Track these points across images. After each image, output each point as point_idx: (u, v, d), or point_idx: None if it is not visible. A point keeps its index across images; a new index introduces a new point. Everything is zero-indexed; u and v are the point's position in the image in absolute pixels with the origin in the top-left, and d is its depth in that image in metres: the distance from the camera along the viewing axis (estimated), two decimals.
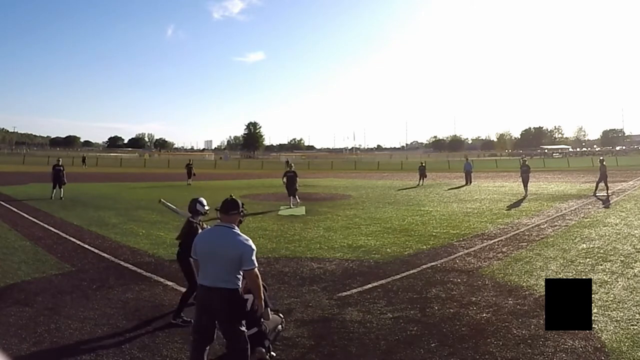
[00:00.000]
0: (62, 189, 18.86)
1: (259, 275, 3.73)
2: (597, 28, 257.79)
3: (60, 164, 19.50)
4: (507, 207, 16.24)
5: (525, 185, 20.79)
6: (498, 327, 5.11)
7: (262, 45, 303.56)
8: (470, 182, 27.38)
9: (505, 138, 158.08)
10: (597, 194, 19.25)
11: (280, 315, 4.87)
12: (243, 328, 3.72)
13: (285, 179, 17.04)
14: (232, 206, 3.82)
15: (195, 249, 3.83)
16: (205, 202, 5.75)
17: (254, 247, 3.67)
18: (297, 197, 16.82)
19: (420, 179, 28.70)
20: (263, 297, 3.85)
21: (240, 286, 3.71)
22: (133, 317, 5.47)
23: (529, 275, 7.23)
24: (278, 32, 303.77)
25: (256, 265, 3.67)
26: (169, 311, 5.62)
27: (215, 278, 3.63)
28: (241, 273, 3.67)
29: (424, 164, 29.67)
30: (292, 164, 18.10)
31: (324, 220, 13.39)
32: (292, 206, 16.13)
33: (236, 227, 3.80)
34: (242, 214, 3.94)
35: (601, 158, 22.39)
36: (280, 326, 4.50)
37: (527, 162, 22.09)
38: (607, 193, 19.22)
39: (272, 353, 4.39)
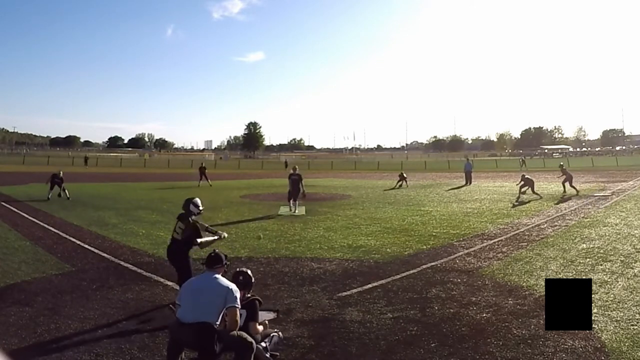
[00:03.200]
0: (66, 191, 18.89)
1: (238, 319, 3.92)
2: (597, 28, 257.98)
3: (60, 175, 19.25)
4: (507, 207, 16.24)
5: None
6: (498, 327, 5.11)
7: (262, 45, 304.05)
8: (470, 182, 27.36)
9: (505, 138, 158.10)
10: (564, 195, 19.83)
11: (275, 312, 4.87)
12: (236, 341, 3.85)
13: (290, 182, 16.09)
14: (216, 260, 4.21)
15: (180, 296, 4.09)
16: (199, 203, 6.00)
17: (237, 290, 4.01)
18: (297, 201, 15.73)
19: (400, 182, 27.67)
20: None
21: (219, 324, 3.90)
22: (133, 317, 5.48)
23: (529, 275, 7.23)
24: (278, 32, 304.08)
25: (238, 305, 3.93)
26: (169, 311, 5.62)
27: (195, 314, 3.83)
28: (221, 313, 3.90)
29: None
30: (296, 166, 17.58)
31: (324, 220, 13.40)
32: (291, 209, 15.35)
33: (221, 276, 4.13)
34: (226, 265, 4.27)
35: (561, 164, 23.68)
36: (276, 336, 4.38)
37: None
38: (575, 191, 19.92)
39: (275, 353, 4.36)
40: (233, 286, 4.01)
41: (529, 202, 17.53)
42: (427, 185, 27.83)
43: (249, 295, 4.34)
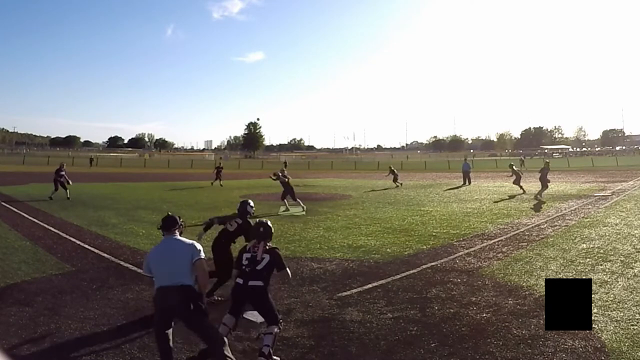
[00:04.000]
0: (67, 190, 18.81)
1: (206, 268, 4.13)
2: (597, 28, 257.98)
3: (64, 168, 19.43)
4: (507, 207, 16.24)
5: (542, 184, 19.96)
6: (498, 327, 5.11)
7: (262, 45, 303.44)
8: (470, 182, 27.31)
9: (505, 138, 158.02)
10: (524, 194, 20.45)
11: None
12: (207, 319, 4.07)
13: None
14: (172, 222, 4.32)
15: (148, 266, 4.17)
16: (252, 204, 6.60)
17: (199, 244, 4.20)
18: (286, 200, 16.18)
19: (389, 175, 28.22)
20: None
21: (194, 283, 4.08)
22: (133, 317, 5.48)
23: (529, 275, 7.23)
24: (278, 32, 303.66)
25: (204, 257, 4.12)
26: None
27: (172, 277, 3.97)
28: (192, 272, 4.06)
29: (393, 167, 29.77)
30: (284, 169, 17.88)
31: (324, 220, 13.39)
32: (288, 209, 15.65)
33: (178, 234, 4.30)
34: (181, 227, 4.40)
35: (511, 164, 24.08)
36: (276, 328, 4.42)
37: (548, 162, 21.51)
38: (522, 190, 20.92)
39: (276, 358, 4.35)
40: (194, 242, 4.20)
41: (528, 202, 17.52)
42: (427, 185, 27.83)
43: (269, 245, 4.69)
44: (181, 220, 4.43)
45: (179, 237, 4.25)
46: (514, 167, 22.32)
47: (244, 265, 4.53)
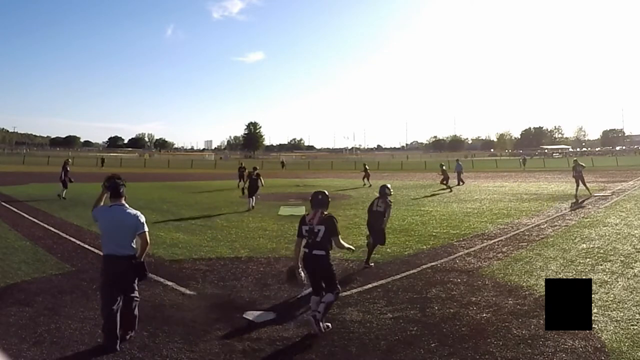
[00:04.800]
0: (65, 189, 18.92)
1: (148, 240, 4.75)
2: (597, 28, 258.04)
3: (68, 162, 20.01)
4: (507, 207, 16.24)
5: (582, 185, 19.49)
6: (498, 327, 5.11)
7: (262, 45, 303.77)
8: (463, 182, 26.78)
9: (505, 138, 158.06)
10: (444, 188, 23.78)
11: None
12: (135, 285, 4.84)
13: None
14: (116, 190, 4.77)
15: (95, 219, 4.87)
16: (390, 186, 8.54)
17: (142, 216, 4.78)
18: (255, 197, 16.95)
19: (365, 179, 29.44)
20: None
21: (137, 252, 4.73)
22: None
23: (529, 275, 7.23)
24: (278, 32, 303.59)
25: (146, 230, 4.73)
26: (169, 311, 5.63)
27: (119, 248, 4.64)
28: (134, 241, 4.70)
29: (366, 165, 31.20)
30: (256, 166, 18.69)
31: None
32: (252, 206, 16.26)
33: (126, 204, 4.79)
34: (123, 197, 4.82)
35: (442, 164, 26.51)
36: (333, 297, 5.02)
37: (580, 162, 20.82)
38: (452, 185, 24.04)
39: (328, 324, 5.02)
40: (138, 213, 4.76)
41: (528, 202, 17.51)
42: (427, 186, 27.82)
43: (325, 213, 5.14)
44: (122, 180, 4.88)
45: (126, 208, 4.75)
46: (443, 167, 25.13)
47: (306, 236, 5.07)
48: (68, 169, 19.51)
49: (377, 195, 8.38)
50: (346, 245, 5.25)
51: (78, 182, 22.03)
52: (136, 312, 4.86)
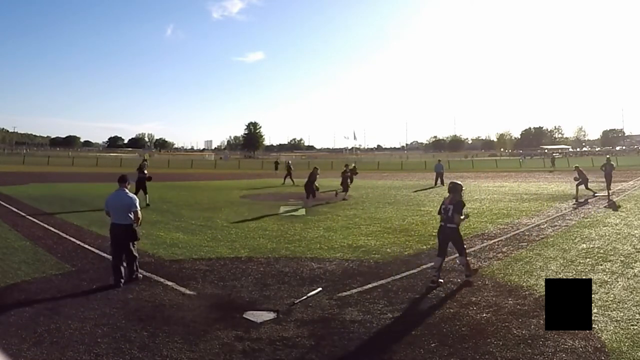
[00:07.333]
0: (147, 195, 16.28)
1: (140, 215, 7.01)
2: (597, 28, 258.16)
3: (145, 162, 17.26)
4: (507, 207, 16.23)
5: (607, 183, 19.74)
6: (498, 327, 5.11)
7: (261, 45, 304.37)
8: (443, 184, 26.07)
9: (505, 138, 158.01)
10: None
11: None
12: (132, 247, 6.95)
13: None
14: (124, 180, 7.17)
15: (107, 207, 7.05)
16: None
17: (136, 197, 7.11)
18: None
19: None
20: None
21: (135, 223, 6.98)
22: (133, 317, 5.47)
23: (529, 275, 7.23)
24: (278, 32, 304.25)
25: (139, 208, 6.96)
26: (169, 311, 5.62)
27: (120, 218, 6.86)
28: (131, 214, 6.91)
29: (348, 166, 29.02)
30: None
31: (324, 220, 13.39)
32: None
33: (127, 189, 7.13)
34: (128, 183, 7.26)
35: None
36: (464, 258, 6.96)
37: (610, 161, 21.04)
38: (439, 184, 25.96)
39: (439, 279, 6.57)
40: (133, 196, 7.05)
41: (528, 202, 17.50)
42: (427, 185, 27.81)
43: (458, 198, 7.06)
44: (128, 183, 7.28)
45: (127, 192, 7.07)
46: (436, 164, 27.56)
47: (442, 213, 7.01)
48: (146, 172, 16.65)
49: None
50: (461, 218, 7.02)
51: (78, 182, 21.98)
52: (134, 267, 7.02)
